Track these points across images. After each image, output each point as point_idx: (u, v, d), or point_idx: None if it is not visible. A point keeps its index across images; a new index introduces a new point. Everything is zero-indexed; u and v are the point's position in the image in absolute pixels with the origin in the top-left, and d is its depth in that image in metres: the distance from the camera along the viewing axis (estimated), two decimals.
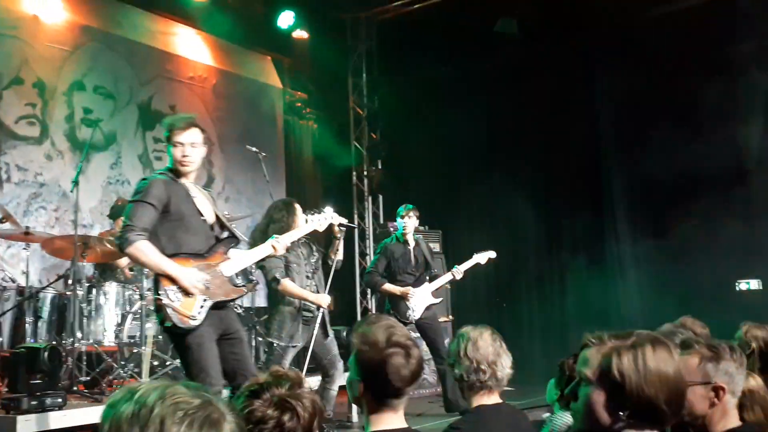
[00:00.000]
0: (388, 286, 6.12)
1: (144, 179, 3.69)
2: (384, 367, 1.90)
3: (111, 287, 5.74)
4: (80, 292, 5.52)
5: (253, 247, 5.09)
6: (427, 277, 6.31)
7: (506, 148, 9.12)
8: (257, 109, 9.42)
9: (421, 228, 7.96)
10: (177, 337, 3.52)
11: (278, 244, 4.01)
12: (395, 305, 6.13)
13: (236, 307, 6.69)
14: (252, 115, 9.31)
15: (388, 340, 1.93)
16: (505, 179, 9.05)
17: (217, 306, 3.63)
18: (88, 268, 6.12)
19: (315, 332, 4.94)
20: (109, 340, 5.65)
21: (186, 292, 3.50)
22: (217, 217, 3.83)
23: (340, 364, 5.09)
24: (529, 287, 9.01)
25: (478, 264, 6.51)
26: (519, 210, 8.96)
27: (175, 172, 3.69)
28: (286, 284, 4.93)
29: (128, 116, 7.93)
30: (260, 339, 6.52)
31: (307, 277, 5.08)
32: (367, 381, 1.94)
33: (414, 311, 6.10)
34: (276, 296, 5.04)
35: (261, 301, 7.02)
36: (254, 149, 6.23)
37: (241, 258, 3.82)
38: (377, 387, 1.92)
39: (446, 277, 6.36)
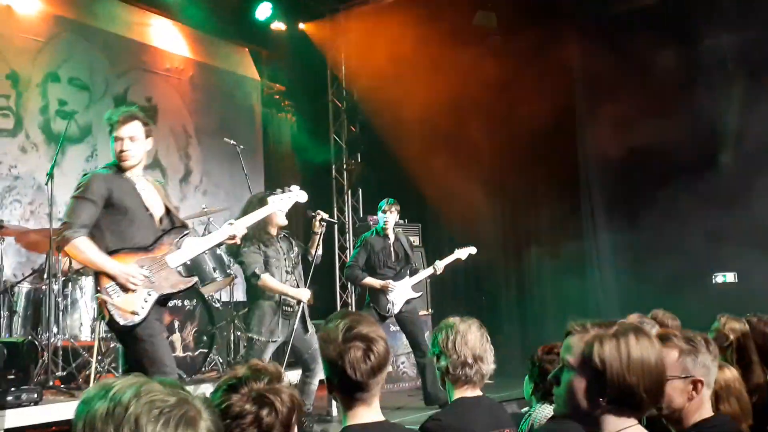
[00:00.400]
0: (369, 280, 6.13)
1: (85, 174, 3.65)
2: (342, 363, 1.91)
3: (87, 281, 5.68)
4: (56, 287, 5.45)
5: (229, 247, 5.08)
6: (408, 271, 6.33)
7: (481, 141, 9.12)
8: (235, 102, 9.35)
9: (401, 221, 7.95)
10: (123, 334, 3.49)
11: (235, 228, 3.94)
12: (375, 299, 6.15)
13: (215, 301, 6.70)
14: (229, 108, 9.24)
15: (346, 335, 1.93)
16: (481, 171, 9.05)
17: (166, 298, 3.62)
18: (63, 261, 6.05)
19: (295, 327, 4.94)
20: (85, 335, 5.60)
21: (126, 288, 3.46)
22: (167, 208, 3.80)
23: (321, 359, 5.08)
24: (508, 279, 9.04)
25: (458, 259, 6.55)
26: (496, 202, 8.98)
27: (118, 166, 3.65)
28: (266, 279, 4.92)
29: (104, 108, 7.79)
30: (240, 334, 6.52)
31: (287, 272, 5.07)
32: (331, 377, 1.96)
33: (394, 305, 6.13)
34: (255, 291, 5.03)
35: (240, 296, 6.98)
36: (232, 142, 6.18)
37: (192, 247, 3.76)
38: (341, 382, 1.93)
39: (426, 272, 6.40)
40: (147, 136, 3.72)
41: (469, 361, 2.38)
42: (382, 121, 9.31)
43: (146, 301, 3.50)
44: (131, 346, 3.49)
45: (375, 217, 7.26)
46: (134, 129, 3.64)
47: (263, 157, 9.71)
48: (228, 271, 6.60)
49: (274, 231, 5.11)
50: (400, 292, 6.17)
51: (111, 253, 3.51)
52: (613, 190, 8.26)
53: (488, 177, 9.07)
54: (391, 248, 6.28)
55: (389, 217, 6.23)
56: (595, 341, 1.57)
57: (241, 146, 6.22)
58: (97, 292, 3.46)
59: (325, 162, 9.88)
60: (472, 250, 6.63)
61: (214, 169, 8.93)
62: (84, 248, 3.44)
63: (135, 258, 3.54)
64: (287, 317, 5.01)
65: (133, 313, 3.44)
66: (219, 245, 4.16)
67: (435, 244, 8.84)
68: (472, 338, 2.43)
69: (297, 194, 4.52)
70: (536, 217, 8.88)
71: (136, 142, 3.63)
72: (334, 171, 10.01)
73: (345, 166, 9.96)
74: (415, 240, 8.20)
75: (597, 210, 8.35)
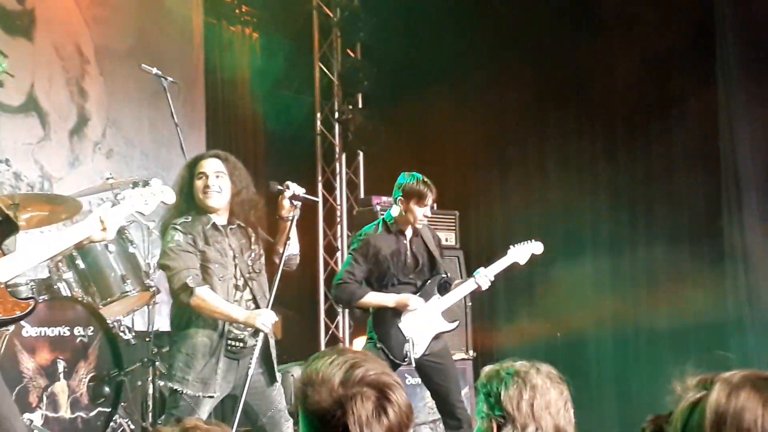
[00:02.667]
0: (374, 297, 6.10)
1: None
2: (341, 417, 1.93)
3: None
4: None
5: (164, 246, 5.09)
6: (434, 288, 6.32)
7: (567, 77, 9.07)
8: (161, 8, 9.32)
9: None
10: None
11: (106, 219, 3.97)
12: (384, 334, 6.07)
13: (125, 330, 6.71)
14: (152, 17, 9.23)
15: (348, 377, 1.98)
16: (563, 127, 9.01)
17: None
18: None
19: (250, 374, 4.93)
20: None
21: None
22: None
23: (289, 425, 5.12)
24: (600, 302, 9.01)
25: (515, 264, 6.55)
26: (584, 176, 8.92)
27: None
28: (203, 296, 4.90)
29: None
30: (163, 383, 6.49)
31: (237, 285, 5.08)
32: None
33: (414, 345, 6.08)
34: (184, 315, 5.03)
35: (165, 322, 7.00)
36: (154, 71, 6.17)
37: (25, 255, 3.90)
38: None
39: (465, 287, 6.36)
40: None
41: None
42: (400, 43, 9.27)
43: None
44: None
45: (385, 199, 7.19)
46: None
47: (205, 97, 9.70)
48: (147, 281, 6.59)
49: (220, 217, 5.12)
50: (425, 323, 6.14)
51: None
52: None
53: (570, 143, 9.01)
54: (408, 251, 6.24)
55: (417, 210, 6.12)
56: None
57: (170, 78, 6.20)
58: None
59: (305, 108, 9.87)
60: (537, 247, 6.59)
61: (126, 116, 8.93)
62: None
63: None
64: (234, 358, 5.02)
65: None
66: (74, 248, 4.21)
67: (482, 244, 8.83)
68: (553, 396, 2.46)
69: (161, 190, 4.67)
70: (648, 197, 8.81)
71: None
72: (319, 122, 10.01)
73: (337, 115, 9.96)
74: (449, 237, 8.19)
75: (746, 202, 8.29)
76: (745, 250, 8.27)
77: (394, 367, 6.00)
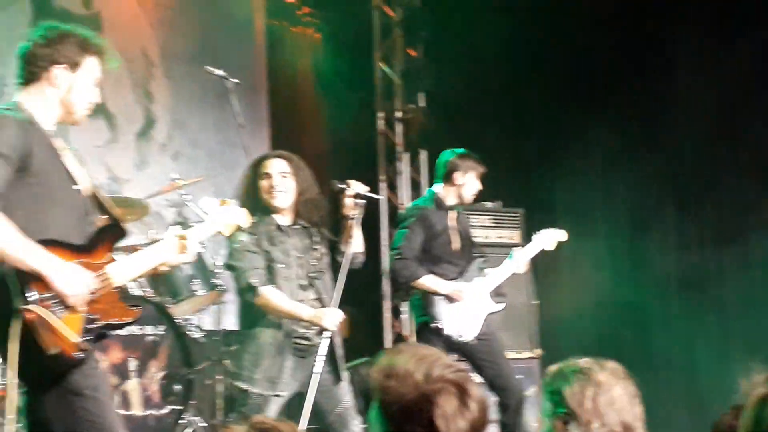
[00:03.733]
0: (430, 281, 6.08)
1: None
2: (428, 413, 1.94)
3: None
4: None
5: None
6: (477, 269, 6.32)
7: (631, 79, 9.01)
8: (224, 10, 9.41)
9: (489, 205, 7.96)
10: (44, 380, 3.54)
11: (187, 240, 4.02)
12: (439, 314, 6.11)
13: (195, 329, 6.80)
14: (216, 20, 9.33)
15: (431, 372, 1.99)
16: (625, 121, 8.95)
17: (103, 334, 3.75)
18: None
19: (315, 371, 4.97)
20: None
21: (65, 303, 3.50)
22: (93, 191, 3.93)
23: (357, 422, 5.13)
24: (667, 300, 8.93)
25: (543, 251, 6.62)
26: (646, 167, 8.85)
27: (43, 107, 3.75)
28: (268, 296, 4.96)
29: (15, 17, 7.99)
30: (231, 381, 6.59)
31: (302, 285, 5.11)
32: None
33: (468, 327, 6.09)
34: (250, 314, 5.09)
35: (232, 320, 7.06)
36: (218, 72, 6.24)
37: (133, 261, 3.92)
38: None
39: (506, 268, 6.40)
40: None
41: (617, 430, 2.39)
42: (462, 41, 9.26)
43: (90, 331, 3.58)
44: (56, 405, 3.58)
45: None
46: None
47: (268, 97, 9.79)
48: (214, 280, 6.67)
49: (285, 217, 5.16)
50: (475, 304, 6.12)
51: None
52: None
53: (633, 136, 8.96)
54: (454, 229, 6.23)
55: (469, 183, 6.16)
56: None
57: (235, 80, 6.27)
58: (20, 300, 3.44)
59: (366, 107, 9.91)
60: (560, 234, 6.66)
61: (191, 117, 9.05)
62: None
63: (69, 258, 3.60)
64: (302, 356, 5.06)
65: (77, 346, 3.49)
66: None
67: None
68: (619, 395, 2.44)
69: (239, 214, 4.56)
70: (718, 192, 8.71)
71: None
72: (381, 122, 10.03)
73: (399, 114, 9.97)
74: (514, 235, 8.18)
75: None
76: None
77: (449, 347, 6.00)
